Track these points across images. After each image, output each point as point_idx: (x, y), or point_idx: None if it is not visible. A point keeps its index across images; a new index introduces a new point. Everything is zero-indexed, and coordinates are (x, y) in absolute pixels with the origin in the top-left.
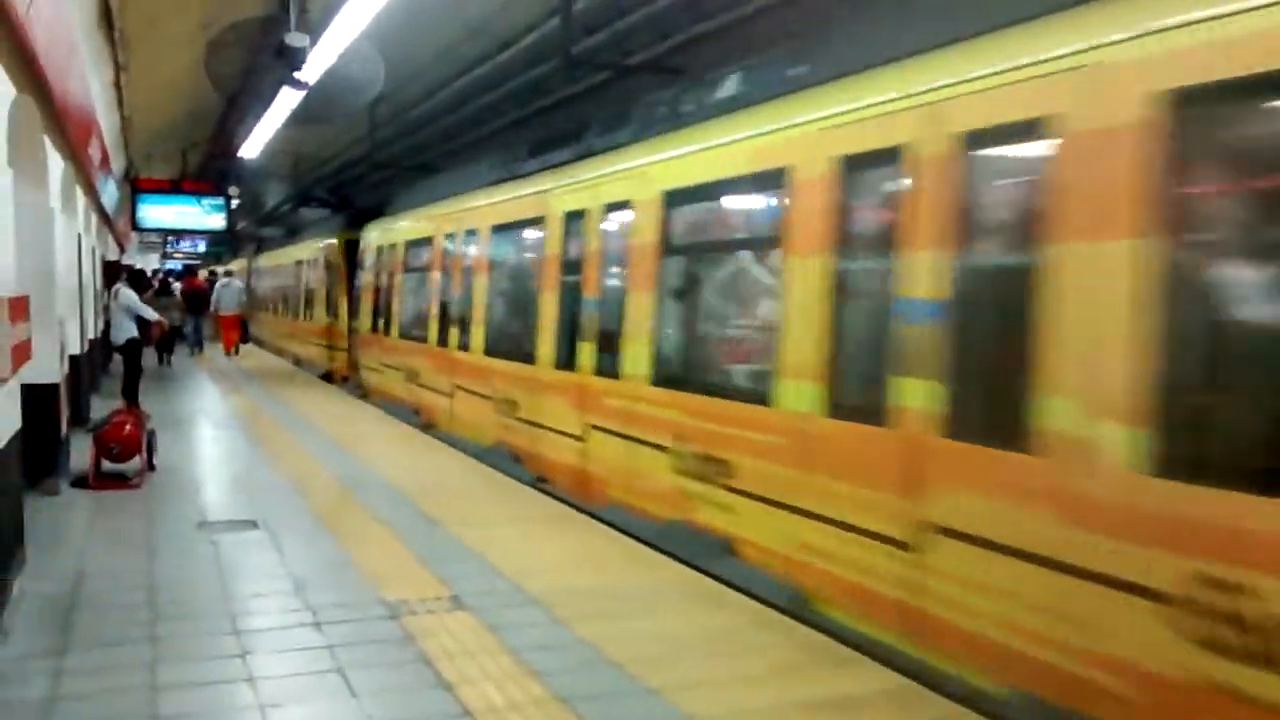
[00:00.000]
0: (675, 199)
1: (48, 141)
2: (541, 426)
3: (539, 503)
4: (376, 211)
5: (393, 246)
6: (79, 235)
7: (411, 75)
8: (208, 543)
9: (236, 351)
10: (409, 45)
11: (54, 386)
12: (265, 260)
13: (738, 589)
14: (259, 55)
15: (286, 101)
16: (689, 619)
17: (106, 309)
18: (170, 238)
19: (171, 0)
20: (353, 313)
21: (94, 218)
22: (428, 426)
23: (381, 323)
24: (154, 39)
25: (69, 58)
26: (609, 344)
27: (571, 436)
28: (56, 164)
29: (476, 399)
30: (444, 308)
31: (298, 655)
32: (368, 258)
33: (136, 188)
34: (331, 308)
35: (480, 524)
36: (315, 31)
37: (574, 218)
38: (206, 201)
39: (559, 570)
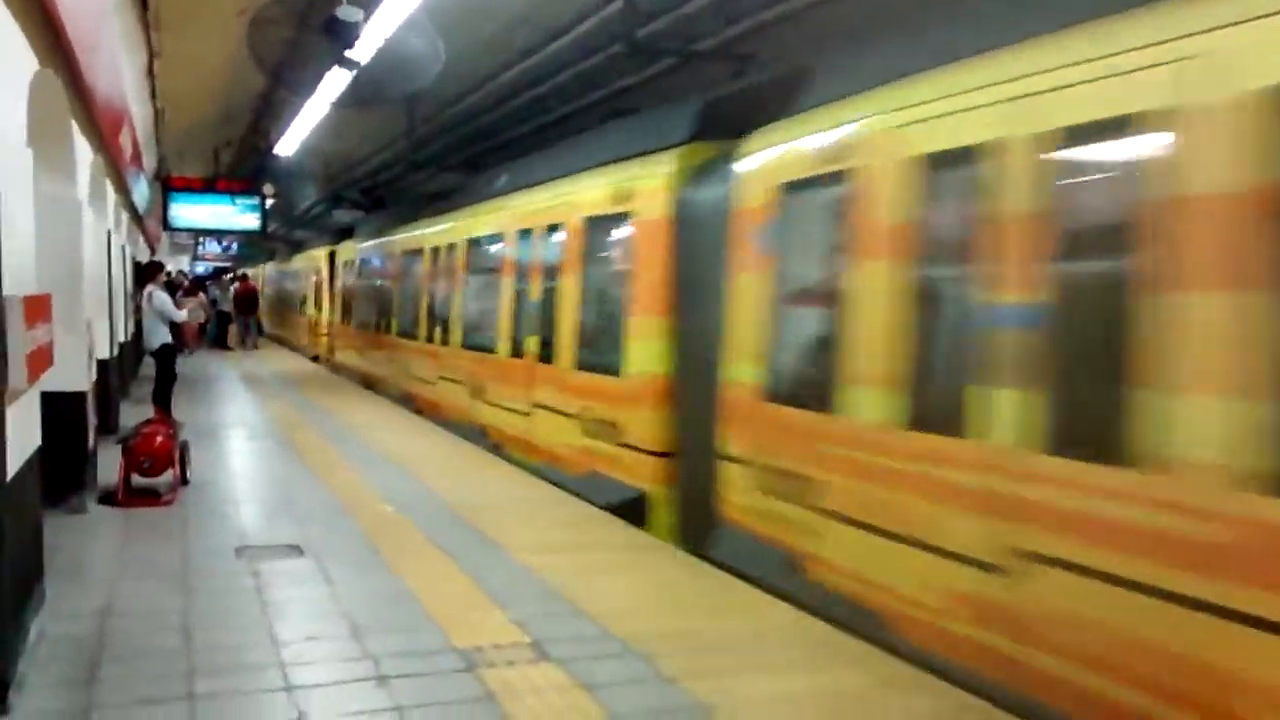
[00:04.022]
0: None
1: (75, 127)
2: None
3: (606, 526)
4: None
5: None
6: (108, 232)
7: (452, 70)
8: (248, 573)
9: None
10: (452, 36)
11: (81, 395)
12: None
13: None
14: (304, 32)
15: (335, 83)
16: (808, 676)
17: (139, 310)
18: (200, 239)
19: None
20: None
21: (124, 215)
22: None
23: None
24: (189, 23)
25: (96, 29)
26: None
27: None
28: (85, 153)
29: None
30: None
31: None
32: None
33: (168, 186)
34: None
35: (543, 550)
36: (368, 4)
37: None
38: (241, 201)
39: (644, 610)
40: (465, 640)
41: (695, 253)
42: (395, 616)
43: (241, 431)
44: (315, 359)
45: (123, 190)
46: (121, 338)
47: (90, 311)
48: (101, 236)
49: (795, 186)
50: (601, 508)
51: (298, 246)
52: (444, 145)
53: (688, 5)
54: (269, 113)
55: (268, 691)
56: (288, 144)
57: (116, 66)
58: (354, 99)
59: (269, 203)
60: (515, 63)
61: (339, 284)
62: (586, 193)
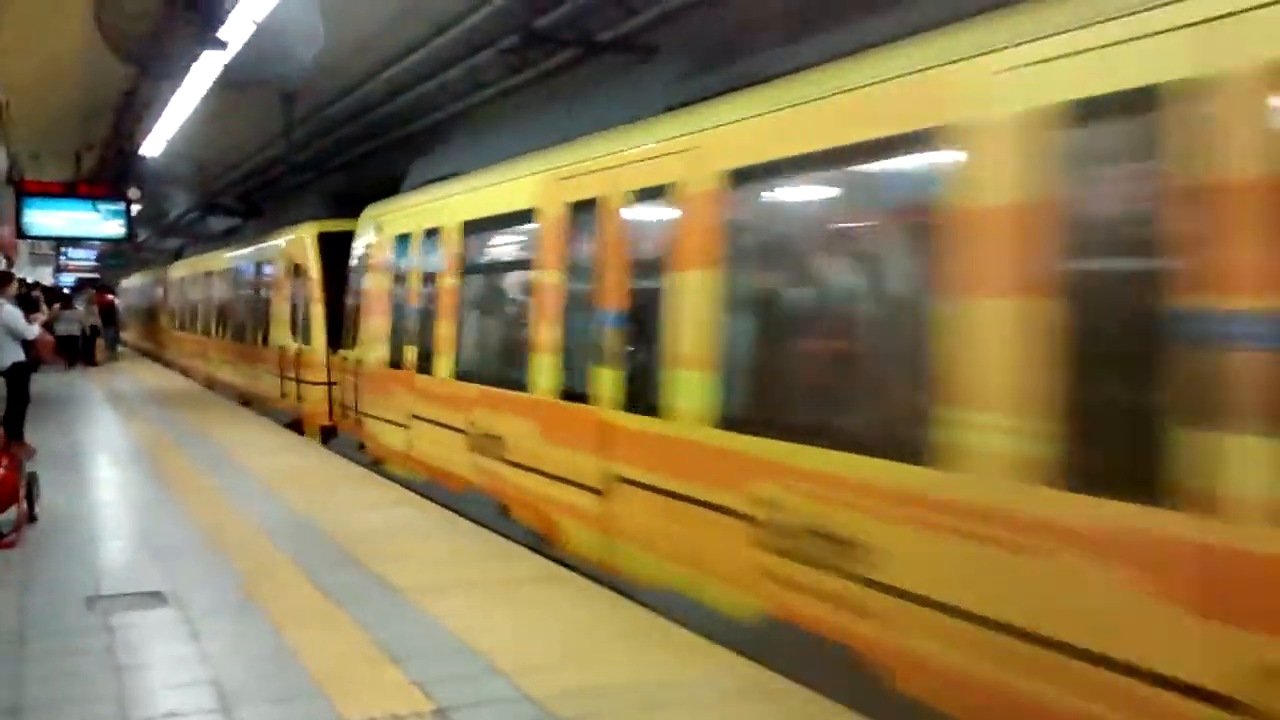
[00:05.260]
0: None
1: None
2: None
3: (507, 558)
4: None
5: None
6: None
7: (331, 67)
8: (101, 629)
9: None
10: (330, 32)
11: None
12: None
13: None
14: (167, 11)
15: (205, 68)
16: None
17: None
18: (64, 249)
19: None
20: None
21: None
22: None
23: None
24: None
25: None
26: None
27: None
28: None
29: None
30: None
31: None
32: None
33: (23, 191)
34: None
35: (447, 590)
36: None
37: None
38: (104, 206)
39: (563, 660)
40: (356, 710)
41: None
42: (273, 681)
43: (101, 458)
44: (295, 427)
45: None
46: None
47: None
48: None
49: None
50: None
51: (174, 255)
52: (326, 146)
53: None
54: (134, 111)
55: None
56: (155, 143)
57: None
58: (227, 82)
59: (135, 208)
60: (400, 57)
61: (371, 290)
62: None
